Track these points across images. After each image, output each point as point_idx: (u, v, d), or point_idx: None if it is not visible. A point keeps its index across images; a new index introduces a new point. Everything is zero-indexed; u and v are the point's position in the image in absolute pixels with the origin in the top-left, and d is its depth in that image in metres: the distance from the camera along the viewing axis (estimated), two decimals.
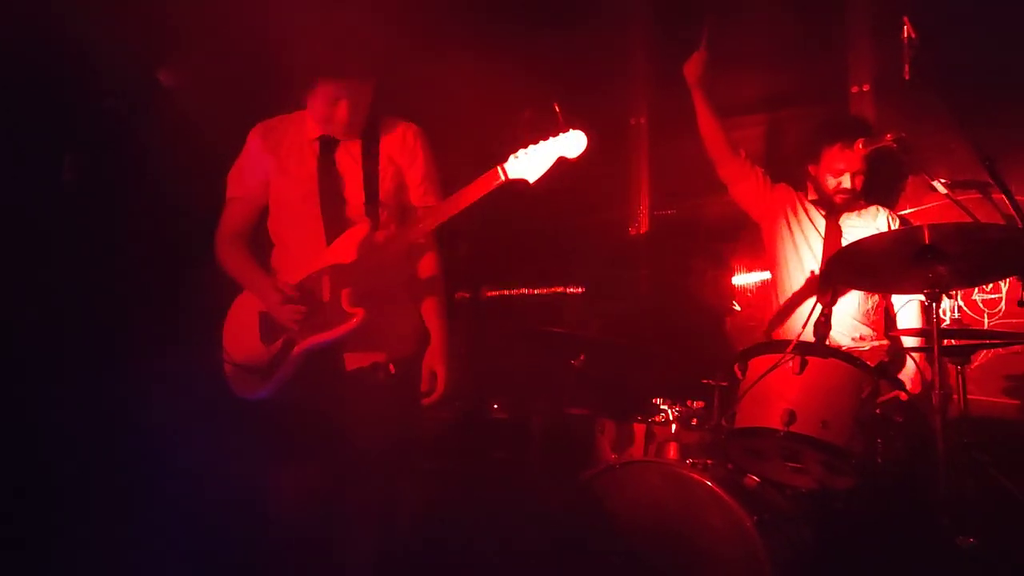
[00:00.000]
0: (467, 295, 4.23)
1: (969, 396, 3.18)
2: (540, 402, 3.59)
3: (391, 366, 2.84)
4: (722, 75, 3.84)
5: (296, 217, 2.93)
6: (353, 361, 2.86)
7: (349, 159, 2.92)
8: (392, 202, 2.95)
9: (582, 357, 3.51)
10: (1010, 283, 3.61)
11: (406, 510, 3.00)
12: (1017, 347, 3.50)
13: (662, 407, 3.22)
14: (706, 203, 4.37)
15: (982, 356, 3.61)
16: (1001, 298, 3.67)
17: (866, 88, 4.05)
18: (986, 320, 3.69)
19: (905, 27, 2.86)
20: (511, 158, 2.70)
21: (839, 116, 3.92)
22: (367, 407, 2.80)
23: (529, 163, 2.68)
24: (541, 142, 2.70)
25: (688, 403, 3.20)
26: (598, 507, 2.96)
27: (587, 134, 2.69)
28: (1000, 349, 3.56)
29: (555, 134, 2.68)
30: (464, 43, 4.16)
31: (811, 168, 3.73)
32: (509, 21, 4.21)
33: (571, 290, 4.32)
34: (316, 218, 2.89)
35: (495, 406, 3.97)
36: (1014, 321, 3.58)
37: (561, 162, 2.67)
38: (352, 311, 2.75)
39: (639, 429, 3.30)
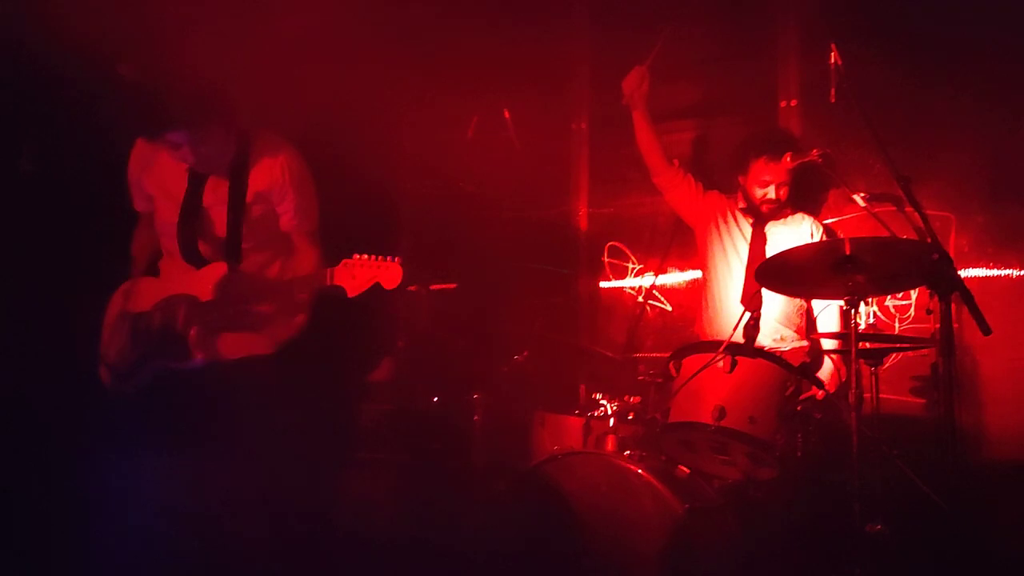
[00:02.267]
0: (412, 288, 4.32)
1: (880, 395, 3.43)
2: (482, 395, 3.70)
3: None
4: (657, 82, 4.01)
5: (169, 236, 3.05)
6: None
7: (214, 196, 3.01)
8: (260, 236, 3.03)
9: (525, 353, 3.64)
10: (919, 291, 3.89)
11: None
12: (924, 350, 3.77)
13: (601, 402, 3.37)
14: (642, 202, 4.57)
15: (893, 358, 3.86)
16: (911, 304, 3.94)
17: (794, 103, 4.27)
18: (897, 324, 3.95)
19: (832, 54, 3.06)
20: (342, 264, 2.78)
21: (765, 131, 4.10)
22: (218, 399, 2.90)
23: (352, 276, 2.75)
24: (367, 257, 2.77)
25: (626, 398, 3.36)
26: (540, 495, 3.09)
27: None
28: (909, 352, 3.83)
29: (382, 258, 2.75)
30: (409, 52, 4.25)
31: (739, 178, 3.92)
32: (454, 31, 4.31)
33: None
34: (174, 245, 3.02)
35: (435, 399, 4.07)
36: (922, 326, 3.83)
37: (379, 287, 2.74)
38: (195, 352, 2.88)
39: (577, 423, 3.43)
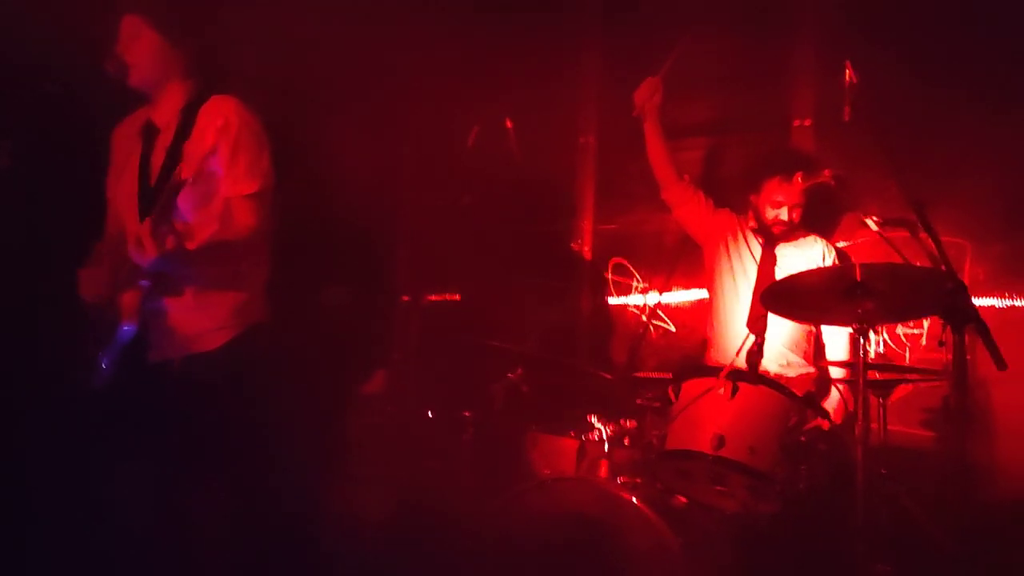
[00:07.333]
0: (407, 299, 4.22)
1: (889, 427, 3.29)
2: (474, 413, 3.59)
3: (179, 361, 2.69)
4: (670, 99, 3.91)
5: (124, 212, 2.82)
6: (154, 355, 2.71)
7: (161, 151, 2.75)
8: (194, 196, 2.65)
9: (519, 371, 3.53)
10: (932, 320, 3.75)
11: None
12: (936, 382, 3.62)
13: (596, 425, 3.24)
14: (648, 220, 4.46)
15: (902, 389, 3.72)
16: (923, 333, 3.80)
17: (807, 123, 4.16)
18: (907, 353, 3.82)
19: (847, 71, 2.95)
20: None
21: (779, 150, 4.01)
22: (165, 400, 2.65)
23: None
24: None
25: (621, 422, 3.23)
26: (527, 521, 2.97)
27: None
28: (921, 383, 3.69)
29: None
30: (413, 59, 4.17)
31: (751, 197, 3.81)
32: (463, 40, 4.22)
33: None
34: (132, 211, 2.76)
35: (429, 414, 3.96)
36: (934, 355, 3.68)
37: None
38: (125, 317, 2.62)
39: (571, 445, 3.31)
